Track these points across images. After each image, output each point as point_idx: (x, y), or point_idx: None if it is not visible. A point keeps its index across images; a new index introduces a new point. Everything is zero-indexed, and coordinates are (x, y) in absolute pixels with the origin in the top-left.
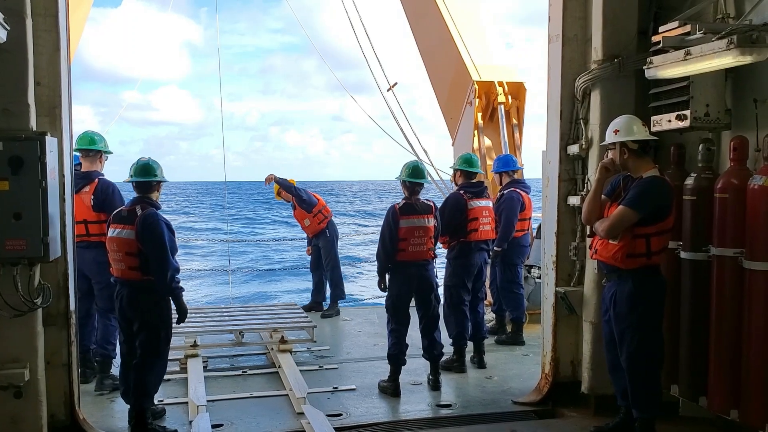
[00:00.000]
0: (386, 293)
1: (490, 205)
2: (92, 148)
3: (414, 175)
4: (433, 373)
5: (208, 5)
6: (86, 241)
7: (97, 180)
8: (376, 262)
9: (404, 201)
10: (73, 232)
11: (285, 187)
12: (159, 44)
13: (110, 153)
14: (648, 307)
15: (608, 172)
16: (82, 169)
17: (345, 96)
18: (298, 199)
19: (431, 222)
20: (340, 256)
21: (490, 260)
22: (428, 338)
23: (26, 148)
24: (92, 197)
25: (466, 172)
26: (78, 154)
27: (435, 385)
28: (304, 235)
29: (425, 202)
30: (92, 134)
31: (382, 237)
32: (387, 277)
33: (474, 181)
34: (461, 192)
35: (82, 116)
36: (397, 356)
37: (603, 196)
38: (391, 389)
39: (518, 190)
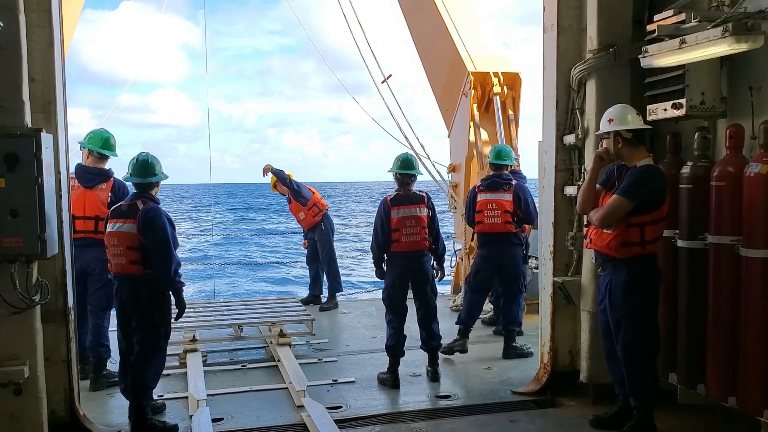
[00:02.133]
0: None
1: (504, 198)
2: (105, 153)
3: (404, 167)
4: (431, 364)
5: (206, 7)
6: (91, 238)
7: (113, 178)
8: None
9: (396, 192)
10: (70, 229)
11: (280, 177)
12: (156, 46)
13: (116, 156)
14: (643, 297)
15: (603, 161)
16: (88, 164)
17: (343, 97)
18: (293, 191)
19: (424, 212)
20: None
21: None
22: (426, 330)
23: (22, 145)
24: (110, 194)
25: (492, 164)
26: (87, 148)
27: (434, 377)
28: (301, 229)
29: (417, 192)
30: (108, 136)
31: (374, 229)
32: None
33: (491, 173)
34: (477, 185)
35: (80, 119)
36: (394, 347)
37: (598, 186)
38: (390, 381)
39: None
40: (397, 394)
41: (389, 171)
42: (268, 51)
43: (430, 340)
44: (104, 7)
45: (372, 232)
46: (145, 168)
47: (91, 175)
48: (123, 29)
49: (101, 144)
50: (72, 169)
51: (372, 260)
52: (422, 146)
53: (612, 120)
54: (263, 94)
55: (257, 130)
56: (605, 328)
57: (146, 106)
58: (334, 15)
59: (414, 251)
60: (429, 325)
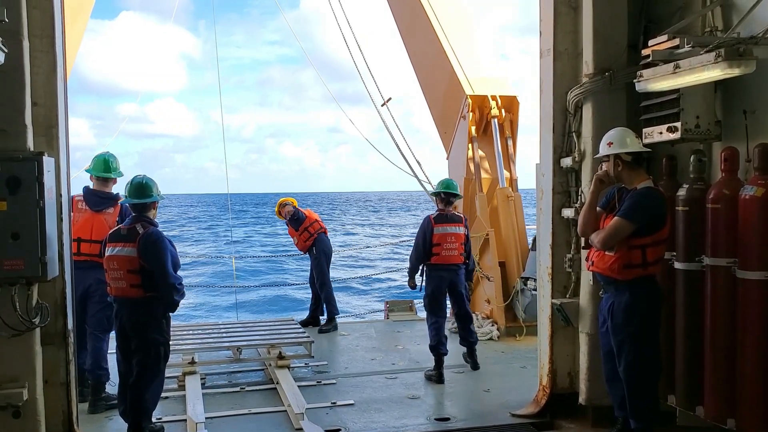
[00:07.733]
0: (422, 292)
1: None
2: (109, 176)
3: (448, 187)
4: (470, 355)
5: (207, 17)
6: (94, 261)
7: (120, 203)
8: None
9: (438, 212)
10: (70, 251)
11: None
12: (156, 56)
13: (121, 176)
14: (645, 318)
15: (603, 184)
16: (94, 188)
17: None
18: (291, 220)
19: (461, 230)
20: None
21: None
22: (464, 329)
23: (24, 169)
24: (118, 219)
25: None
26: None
27: (474, 366)
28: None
29: (456, 213)
30: (111, 160)
31: (416, 243)
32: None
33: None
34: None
35: (79, 130)
36: (437, 347)
37: (598, 209)
38: (436, 377)
39: None
40: (396, 416)
41: (432, 193)
42: (268, 61)
43: (468, 337)
44: (103, 16)
45: (413, 245)
46: (140, 189)
47: (99, 199)
48: (122, 39)
49: (103, 167)
50: (80, 191)
51: (408, 270)
52: (419, 164)
53: (611, 143)
54: (262, 105)
55: (255, 140)
56: (607, 350)
57: (144, 116)
58: (335, 25)
59: (451, 264)
60: (467, 325)
